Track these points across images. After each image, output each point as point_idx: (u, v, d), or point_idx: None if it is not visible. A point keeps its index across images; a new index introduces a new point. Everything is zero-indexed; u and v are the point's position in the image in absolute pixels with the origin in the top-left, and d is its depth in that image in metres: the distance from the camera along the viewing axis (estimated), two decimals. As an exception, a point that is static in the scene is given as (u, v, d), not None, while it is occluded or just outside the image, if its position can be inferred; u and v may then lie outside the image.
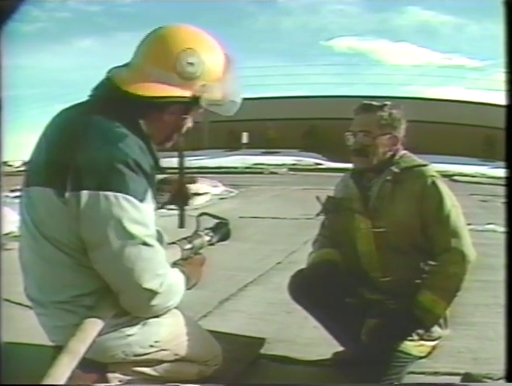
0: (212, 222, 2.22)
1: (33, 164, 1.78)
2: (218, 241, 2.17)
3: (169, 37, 1.77)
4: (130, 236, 1.61)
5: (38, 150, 1.78)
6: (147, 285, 1.65)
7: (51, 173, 1.67)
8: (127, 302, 1.71)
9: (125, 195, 1.59)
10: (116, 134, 1.65)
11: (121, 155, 1.61)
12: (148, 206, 1.68)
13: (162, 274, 1.70)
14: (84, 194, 1.58)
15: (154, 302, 1.71)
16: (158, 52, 1.74)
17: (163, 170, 1.84)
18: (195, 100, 1.76)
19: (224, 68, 1.81)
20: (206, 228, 2.15)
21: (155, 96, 1.71)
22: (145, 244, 1.64)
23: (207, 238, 2.10)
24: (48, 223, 1.68)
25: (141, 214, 1.63)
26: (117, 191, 1.59)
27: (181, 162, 2.07)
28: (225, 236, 2.20)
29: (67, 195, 1.61)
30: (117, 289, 1.69)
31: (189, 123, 1.87)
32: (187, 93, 1.74)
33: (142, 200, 1.63)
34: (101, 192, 1.58)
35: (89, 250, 1.65)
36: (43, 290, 1.74)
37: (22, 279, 1.83)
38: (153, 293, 1.68)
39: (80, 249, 1.66)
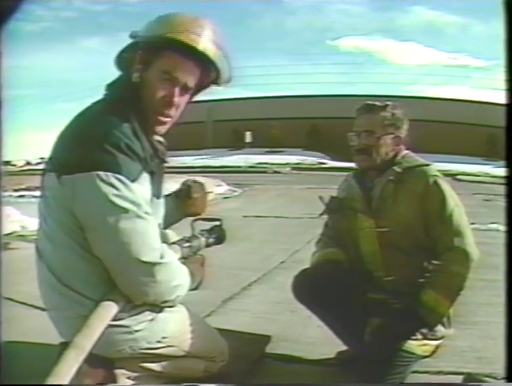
0: (208, 225, 2.25)
1: (48, 158, 1.85)
2: (214, 244, 2.19)
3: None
4: (123, 211, 1.66)
5: (53, 146, 1.84)
6: (146, 258, 1.69)
7: (55, 160, 1.77)
8: (129, 284, 1.73)
9: (116, 174, 1.65)
10: (112, 122, 1.72)
11: (113, 139, 1.68)
12: (141, 187, 1.72)
13: (159, 248, 1.74)
14: (77, 175, 1.65)
15: (158, 277, 1.72)
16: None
17: (163, 160, 1.89)
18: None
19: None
20: (202, 230, 2.18)
21: None
22: (139, 216, 1.68)
23: (203, 239, 2.13)
24: (53, 206, 1.74)
25: (132, 193, 1.68)
26: (108, 171, 1.64)
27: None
28: (221, 239, 2.23)
29: (63, 177, 1.68)
30: (116, 269, 1.71)
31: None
32: None
33: (133, 180, 1.68)
34: (93, 172, 1.64)
35: (86, 232, 1.70)
36: (54, 274, 1.77)
37: (37, 268, 1.86)
38: (154, 266, 1.71)
39: (81, 233, 1.71)
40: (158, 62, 1.80)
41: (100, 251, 1.71)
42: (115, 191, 1.64)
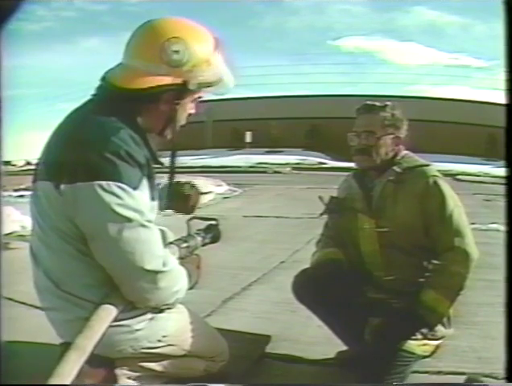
0: (203, 224, 2.25)
1: (39, 161, 1.83)
2: (210, 243, 2.19)
3: (153, 29, 1.81)
4: (127, 220, 1.64)
5: (44, 148, 1.82)
6: (149, 266, 1.67)
7: (50, 167, 1.73)
8: (133, 291, 1.72)
9: (117, 183, 1.62)
10: (109, 128, 1.69)
11: (112, 146, 1.65)
12: (143, 194, 1.71)
13: (162, 255, 1.73)
14: (78, 185, 1.62)
15: (160, 284, 1.72)
16: (144, 46, 1.79)
17: (160, 163, 1.87)
18: (185, 86, 1.79)
19: (212, 51, 1.84)
20: (198, 230, 2.18)
21: (145, 87, 1.74)
22: (142, 225, 1.67)
23: (199, 238, 2.13)
24: (50, 213, 1.71)
25: (135, 201, 1.66)
26: (109, 180, 1.62)
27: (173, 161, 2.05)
28: (216, 238, 2.23)
29: (62, 187, 1.65)
30: (120, 277, 1.70)
31: (187, 110, 1.89)
32: (177, 80, 1.78)
33: (135, 188, 1.66)
34: (95, 182, 1.61)
35: (89, 241, 1.68)
36: (51, 279, 1.76)
37: (32, 272, 1.84)
38: (157, 274, 1.70)
39: (80, 239, 1.69)
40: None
41: (103, 260, 1.69)
42: (118, 200, 1.62)
